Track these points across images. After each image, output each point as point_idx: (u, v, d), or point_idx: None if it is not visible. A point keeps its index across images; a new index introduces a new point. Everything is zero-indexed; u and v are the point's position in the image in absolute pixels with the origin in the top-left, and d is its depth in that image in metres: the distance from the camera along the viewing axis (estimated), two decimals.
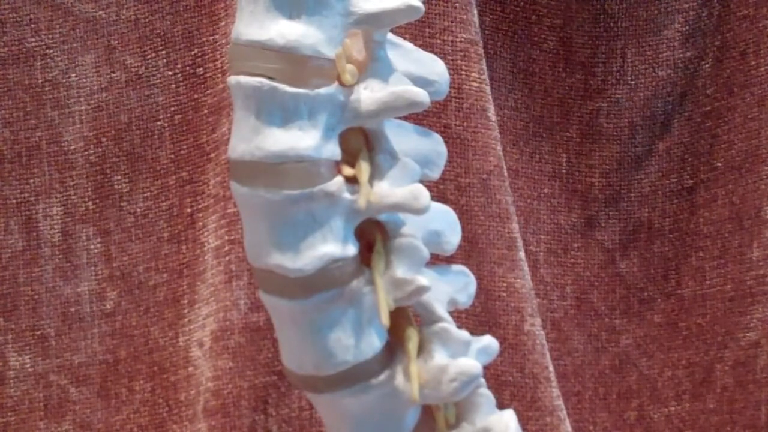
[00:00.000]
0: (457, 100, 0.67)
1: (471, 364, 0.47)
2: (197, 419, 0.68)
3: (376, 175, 0.45)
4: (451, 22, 0.67)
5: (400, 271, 0.46)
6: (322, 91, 0.43)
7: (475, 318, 0.69)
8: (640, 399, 0.74)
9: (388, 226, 0.46)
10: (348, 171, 0.45)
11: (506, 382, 0.69)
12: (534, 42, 0.71)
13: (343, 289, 0.45)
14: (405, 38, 0.47)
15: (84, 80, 0.68)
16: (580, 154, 0.73)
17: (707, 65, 0.72)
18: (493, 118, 0.68)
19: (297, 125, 0.43)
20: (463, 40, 0.67)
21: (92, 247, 0.69)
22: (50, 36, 0.68)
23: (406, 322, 0.47)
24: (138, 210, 0.69)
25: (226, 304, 0.67)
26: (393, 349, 0.47)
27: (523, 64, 0.71)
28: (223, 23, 0.67)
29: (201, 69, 0.68)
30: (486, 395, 0.49)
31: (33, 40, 0.68)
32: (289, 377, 0.48)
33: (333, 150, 0.44)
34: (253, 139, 0.43)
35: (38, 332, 0.69)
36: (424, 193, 0.45)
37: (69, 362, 0.69)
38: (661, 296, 0.74)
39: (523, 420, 0.65)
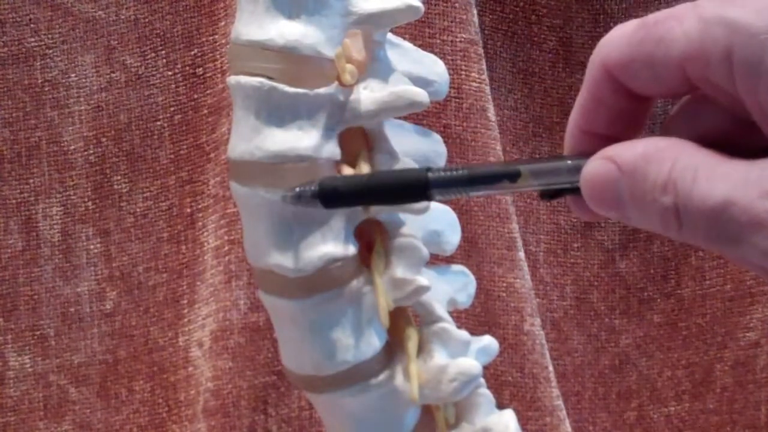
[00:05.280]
0: (457, 100, 0.67)
1: (471, 364, 0.47)
2: (197, 419, 0.68)
3: None
4: (451, 22, 0.67)
5: (400, 271, 0.46)
6: (322, 91, 0.43)
7: (475, 318, 0.69)
8: (640, 399, 0.74)
9: (388, 226, 0.46)
10: (348, 171, 0.45)
11: (506, 382, 0.69)
12: (534, 42, 0.71)
13: (342, 289, 0.45)
14: (405, 38, 0.47)
15: (84, 80, 0.68)
16: None
17: None
18: (493, 118, 0.68)
19: (297, 125, 0.43)
20: (462, 40, 0.67)
21: (92, 247, 0.69)
22: (50, 36, 0.68)
23: (406, 322, 0.47)
24: (138, 210, 0.69)
25: (226, 304, 0.67)
26: (393, 349, 0.47)
27: (523, 64, 0.71)
28: (223, 23, 0.67)
29: (201, 69, 0.68)
30: (486, 395, 0.49)
31: (33, 40, 0.68)
32: (289, 377, 0.48)
33: (333, 150, 0.44)
34: (253, 139, 0.43)
35: (38, 332, 0.69)
36: None
37: (69, 362, 0.69)
38: (661, 296, 0.74)
39: (523, 420, 0.65)
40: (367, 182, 0.43)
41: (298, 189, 0.43)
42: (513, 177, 0.39)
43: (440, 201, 0.42)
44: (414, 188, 0.41)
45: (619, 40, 0.37)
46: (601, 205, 0.37)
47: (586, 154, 0.38)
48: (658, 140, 0.36)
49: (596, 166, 0.37)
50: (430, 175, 0.40)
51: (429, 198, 0.41)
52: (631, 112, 0.39)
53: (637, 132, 0.39)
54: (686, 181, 0.35)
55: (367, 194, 0.42)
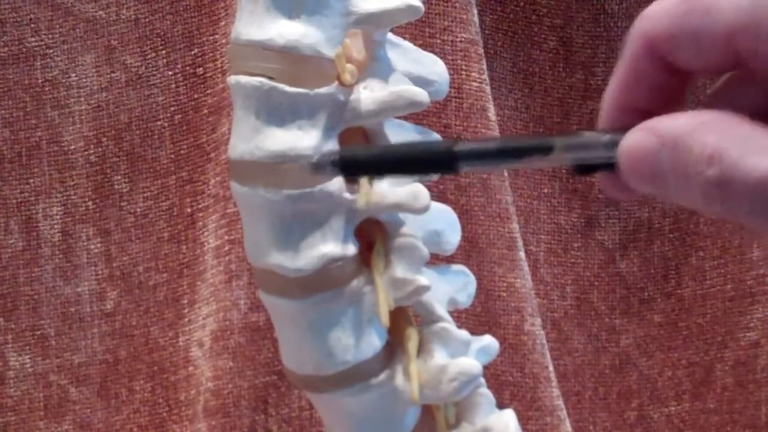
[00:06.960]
0: (457, 100, 0.67)
1: (471, 363, 0.47)
2: (197, 419, 0.68)
3: None
4: (451, 22, 0.67)
5: (400, 270, 0.46)
6: (322, 90, 0.43)
7: (475, 318, 0.69)
8: (640, 399, 0.74)
9: (388, 226, 0.46)
10: None
11: (506, 382, 0.69)
12: (534, 42, 0.71)
13: (342, 289, 0.45)
14: (405, 38, 0.47)
15: (84, 80, 0.68)
16: None
17: None
18: (493, 118, 0.68)
19: (297, 125, 0.43)
20: (463, 40, 0.67)
21: (92, 247, 0.69)
22: (50, 36, 0.68)
23: (406, 322, 0.47)
24: (138, 210, 0.69)
25: (226, 304, 0.67)
26: (393, 349, 0.47)
27: (523, 64, 0.71)
28: (223, 23, 0.67)
29: (201, 69, 0.68)
30: (486, 395, 0.49)
31: (33, 40, 0.68)
32: (289, 377, 0.48)
33: (333, 150, 0.44)
34: (253, 138, 0.43)
35: (38, 332, 0.69)
36: (424, 193, 0.45)
37: (69, 362, 0.69)
38: (661, 296, 0.73)
39: (523, 420, 0.65)
40: (391, 152, 0.40)
41: (317, 157, 0.41)
42: (546, 151, 0.37)
43: (468, 172, 0.40)
44: (441, 160, 0.38)
45: (662, 12, 0.36)
46: (639, 178, 0.36)
47: (623, 129, 0.36)
48: (702, 113, 0.35)
49: (636, 138, 0.35)
50: (458, 146, 0.38)
51: (456, 170, 0.38)
52: (672, 88, 0.37)
53: (676, 109, 0.37)
54: (733, 154, 0.33)
55: (390, 165, 0.39)
